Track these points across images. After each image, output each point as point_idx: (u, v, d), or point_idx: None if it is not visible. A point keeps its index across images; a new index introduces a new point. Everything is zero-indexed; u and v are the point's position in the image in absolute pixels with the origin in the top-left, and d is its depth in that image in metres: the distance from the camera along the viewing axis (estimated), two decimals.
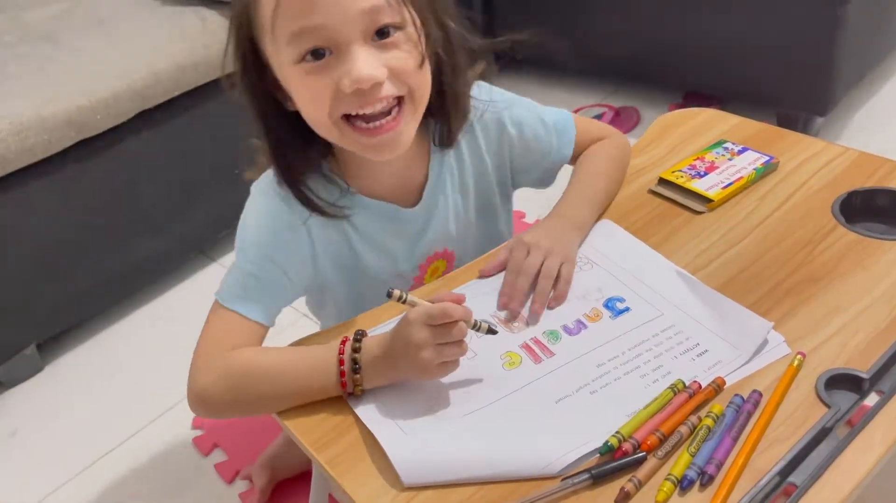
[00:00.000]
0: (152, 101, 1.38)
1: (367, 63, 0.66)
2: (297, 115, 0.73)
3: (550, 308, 0.77)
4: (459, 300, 0.68)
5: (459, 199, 0.87)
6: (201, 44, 1.44)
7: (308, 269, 0.79)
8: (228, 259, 1.65)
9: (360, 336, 0.69)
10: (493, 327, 0.71)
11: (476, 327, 0.70)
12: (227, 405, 0.71)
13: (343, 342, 0.69)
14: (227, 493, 1.15)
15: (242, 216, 0.78)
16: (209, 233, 1.62)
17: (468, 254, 0.90)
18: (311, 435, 0.68)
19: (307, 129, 0.73)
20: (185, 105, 1.45)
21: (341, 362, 0.68)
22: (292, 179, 0.76)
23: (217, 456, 1.21)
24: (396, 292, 0.68)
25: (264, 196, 0.77)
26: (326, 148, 0.78)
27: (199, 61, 1.43)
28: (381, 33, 0.67)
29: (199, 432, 1.25)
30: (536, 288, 0.78)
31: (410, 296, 0.69)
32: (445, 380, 0.70)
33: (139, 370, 1.41)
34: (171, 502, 1.15)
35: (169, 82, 1.39)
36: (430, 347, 0.65)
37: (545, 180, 0.93)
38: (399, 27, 0.67)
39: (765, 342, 0.70)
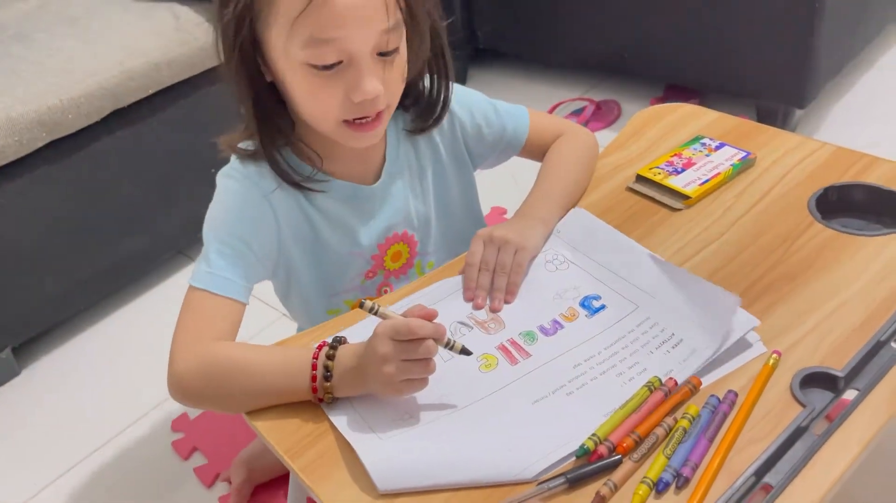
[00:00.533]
0: (126, 99, 1.36)
1: (374, 80, 0.72)
2: (272, 87, 0.76)
3: (507, 303, 0.77)
4: (431, 316, 0.66)
5: (417, 181, 0.89)
6: (175, 41, 1.42)
7: (273, 244, 0.81)
8: None
9: (336, 343, 0.69)
10: (468, 349, 0.68)
11: (449, 346, 0.67)
12: (202, 395, 0.71)
13: (319, 347, 0.69)
14: (207, 497, 1.13)
15: (212, 201, 0.80)
16: (187, 232, 1.60)
17: (432, 241, 0.91)
18: (286, 442, 0.67)
19: (281, 101, 0.77)
20: (159, 104, 1.43)
21: (314, 367, 0.67)
22: (272, 148, 0.78)
23: (197, 459, 1.20)
24: (368, 303, 0.67)
25: (228, 178, 0.80)
26: (293, 122, 0.80)
27: (174, 59, 1.41)
28: (384, 53, 0.72)
29: (178, 436, 1.24)
30: (493, 283, 0.78)
31: (382, 309, 0.68)
32: None
33: (117, 373, 1.40)
34: None
35: (142, 80, 1.37)
36: (394, 362, 0.64)
37: (502, 158, 0.96)
38: (398, 50, 0.74)
39: (733, 328, 0.69)
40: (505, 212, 1.60)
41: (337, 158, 0.82)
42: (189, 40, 1.43)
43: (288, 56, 0.71)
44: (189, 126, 1.50)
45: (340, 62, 0.71)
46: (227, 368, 0.70)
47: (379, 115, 0.75)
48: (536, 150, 0.94)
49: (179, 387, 0.71)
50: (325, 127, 0.76)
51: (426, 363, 0.65)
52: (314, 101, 0.74)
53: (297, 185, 0.79)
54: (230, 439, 1.19)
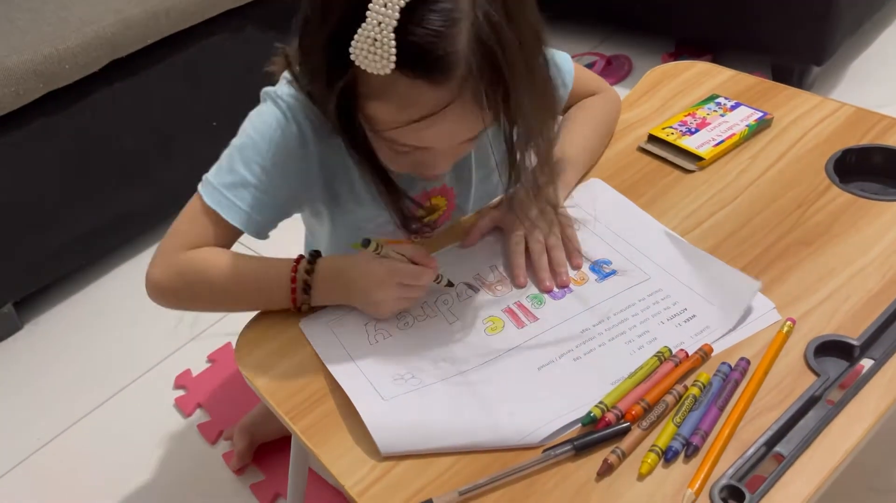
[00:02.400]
0: (123, 49, 1.32)
1: (446, 165, 0.71)
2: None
3: (576, 268, 0.75)
4: (430, 264, 0.70)
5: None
6: None
7: (301, 186, 0.76)
8: None
9: (313, 258, 0.71)
10: (452, 282, 0.73)
11: (437, 280, 0.71)
12: (177, 297, 0.73)
13: (297, 260, 0.71)
14: (210, 454, 1.14)
15: (252, 115, 0.75)
16: (189, 187, 1.56)
17: (472, 198, 0.87)
18: (287, 404, 0.66)
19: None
20: (158, 54, 1.39)
21: (293, 279, 0.70)
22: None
23: (199, 416, 1.20)
24: (373, 243, 0.67)
25: (276, 108, 0.73)
26: None
27: (172, 7, 1.36)
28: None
29: (181, 392, 1.24)
30: (553, 261, 0.75)
31: (386, 248, 0.68)
32: (426, 343, 0.68)
33: (120, 328, 1.39)
34: (154, 463, 1.14)
35: (140, 29, 1.33)
36: (393, 300, 0.69)
37: None
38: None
39: (751, 308, 0.68)
40: None
41: None
42: None
43: (373, 120, 0.65)
44: (189, 77, 1.46)
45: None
46: (205, 272, 0.71)
47: None
48: (570, 105, 0.89)
49: (156, 290, 0.73)
50: (391, 169, 0.73)
51: (421, 289, 0.70)
52: (387, 161, 0.71)
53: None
54: (233, 396, 1.19)
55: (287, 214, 0.79)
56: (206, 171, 0.74)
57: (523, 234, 0.76)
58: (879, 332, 0.66)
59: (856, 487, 0.92)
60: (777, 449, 0.59)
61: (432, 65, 0.57)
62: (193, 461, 1.13)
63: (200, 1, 1.39)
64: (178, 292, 0.72)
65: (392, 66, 0.57)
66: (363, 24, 0.56)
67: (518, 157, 0.68)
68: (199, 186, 0.74)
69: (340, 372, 0.66)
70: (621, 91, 0.94)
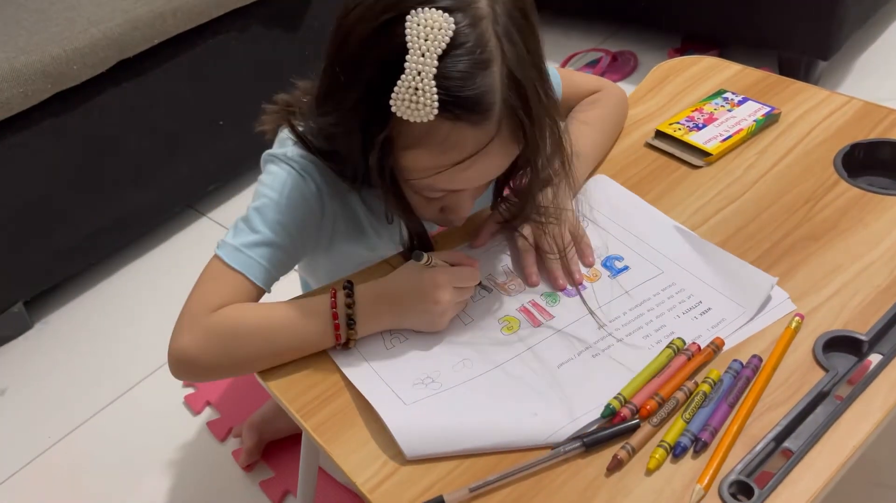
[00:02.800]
0: (131, 50, 1.33)
1: (471, 206, 0.72)
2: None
3: (588, 265, 0.75)
4: (474, 265, 0.71)
5: None
6: None
7: (313, 242, 0.76)
8: (218, 214, 1.62)
9: (349, 286, 0.68)
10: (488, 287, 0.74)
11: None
12: (211, 367, 0.68)
13: (333, 294, 0.68)
14: (220, 451, 1.14)
15: (266, 178, 0.74)
16: (197, 186, 1.58)
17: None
18: (298, 401, 0.66)
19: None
20: (166, 54, 1.39)
21: (335, 315, 0.67)
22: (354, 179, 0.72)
23: (209, 414, 1.20)
24: (425, 257, 0.67)
25: (287, 168, 0.73)
26: None
27: (179, 7, 1.37)
28: None
29: (190, 390, 1.24)
30: (563, 262, 0.75)
31: (435, 260, 0.69)
32: (443, 346, 0.68)
33: (129, 327, 1.40)
34: (164, 461, 1.15)
35: (147, 30, 1.33)
36: (454, 305, 0.68)
37: None
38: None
39: (769, 298, 0.68)
40: None
41: None
42: None
43: (403, 168, 0.66)
44: (195, 76, 1.47)
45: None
46: (239, 333, 0.67)
47: None
48: (566, 112, 0.90)
49: (183, 362, 0.67)
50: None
51: (470, 292, 0.71)
52: (414, 205, 0.71)
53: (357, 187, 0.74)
54: (242, 394, 1.20)
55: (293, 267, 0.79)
56: (214, 172, 0.74)
57: (532, 232, 0.76)
58: (888, 328, 0.66)
59: (862, 483, 0.92)
60: (786, 444, 0.59)
61: (473, 106, 0.59)
62: (203, 459, 1.14)
63: (207, 1, 1.40)
64: (211, 355, 0.67)
65: (435, 112, 0.58)
66: (402, 76, 0.58)
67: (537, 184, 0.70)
68: (217, 250, 0.71)
69: (359, 378, 0.66)
70: (627, 87, 0.95)
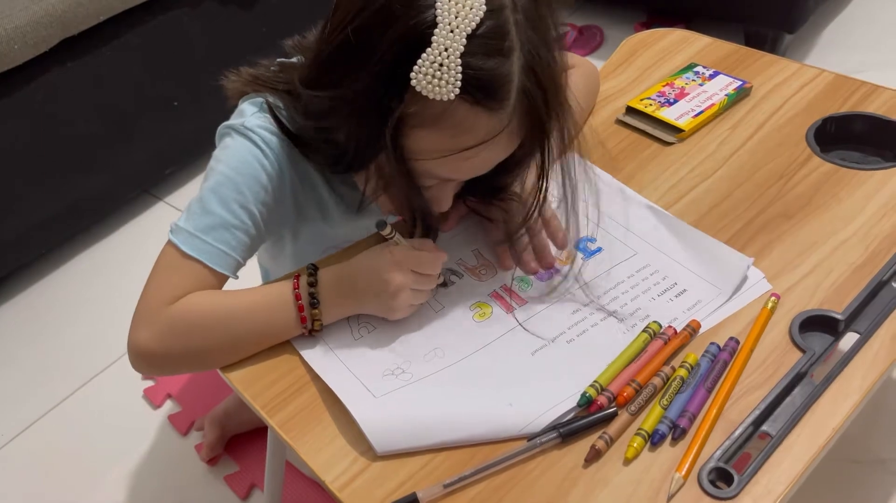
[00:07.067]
0: (75, 27, 1.26)
1: (450, 202, 0.68)
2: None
3: (561, 247, 0.73)
4: (439, 255, 0.67)
5: None
6: None
7: (277, 222, 0.72)
8: (176, 198, 1.57)
9: (313, 270, 0.66)
10: (448, 280, 0.70)
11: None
12: (172, 360, 0.64)
13: (296, 278, 0.65)
14: (182, 445, 1.11)
15: (220, 154, 0.69)
16: (152, 170, 1.52)
17: None
18: (263, 397, 0.63)
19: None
20: (112, 32, 1.32)
21: (297, 296, 0.64)
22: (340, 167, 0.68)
23: (170, 407, 1.16)
24: (388, 228, 0.64)
25: (247, 140, 0.68)
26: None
27: None
28: None
29: (150, 383, 1.20)
30: (535, 245, 0.72)
31: (398, 237, 0.66)
32: (414, 335, 0.66)
33: (84, 318, 1.34)
34: (124, 457, 1.10)
35: (93, 6, 1.26)
36: (408, 291, 0.64)
37: None
38: None
39: (745, 279, 0.67)
40: None
41: None
42: None
43: (406, 148, 0.61)
44: (146, 56, 1.40)
45: None
46: (200, 324, 0.63)
47: None
48: None
49: (143, 357, 0.63)
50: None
51: (432, 282, 0.67)
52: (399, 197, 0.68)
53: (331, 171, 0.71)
54: (204, 386, 1.16)
55: (257, 249, 0.74)
56: (170, 154, 0.68)
57: (503, 217, 0.74)
58: (863, 306, 0.65)
59: (836, 459, 0.93)
60: (764, 428, 0.58)
61: (493, 92, 0.57)
62: (165, 453, 1.10)
63: None
64: (169, 349, 0.63)
65: (456, 91, 0.56)
66: (428, 50, 0.55)
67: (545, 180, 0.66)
68: (171, 235, 0.66)
69: (326, 370, 0.63)
70: (595, 62, 0.92)
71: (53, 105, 1.30)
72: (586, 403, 0.59)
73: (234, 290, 0.66)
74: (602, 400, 0.58)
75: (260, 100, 0.70)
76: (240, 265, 0.68)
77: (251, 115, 0.69)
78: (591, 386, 0.59)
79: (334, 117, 0.64)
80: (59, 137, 1.33)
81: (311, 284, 0.64)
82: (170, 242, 0.66)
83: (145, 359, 0.64)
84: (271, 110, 0.68)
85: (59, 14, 1.22)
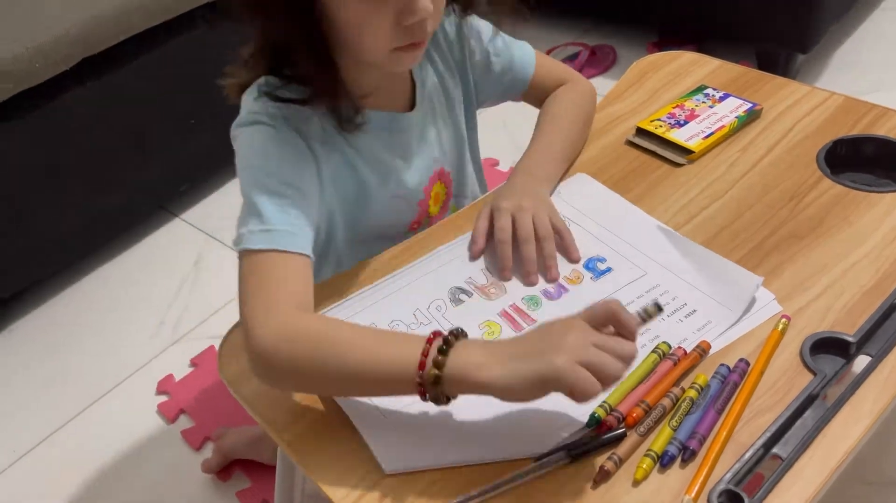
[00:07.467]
0: (96, 47, 1.29)
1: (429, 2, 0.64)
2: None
3: (574, 261, 0.73)
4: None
5: (446, 110, 0.83)
6: None
7: (317, 190, 0.71)
8: (191, 214, 1.59)
9: (455, 334, 0.57)
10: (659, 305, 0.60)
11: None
12: (287, 373, 0.60)
13: (430, 339, 0.57)
14: (195, 460, 1.11)
15: (240, 151, 0.69)
16: (169, 187, 1.55)
17: (468, 182, 0.87)
18: (271, 415, 0.64)
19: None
20: (131, 51, 1.36)
21: (430, 339, 0.56)
22: (333, 86, 0.68)
23: (183, 422, 1.17)
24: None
25: (255, 124, 0.69)
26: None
27: (146, 3, 1.33)
28: None
29: (164, 398, 1.21)
30: (544, 251, 0.73)
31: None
32: None
33: (100, 332, 1.36)
34: (137, 471, 1.11)
35: (112, 26, 1.29)
36: (584, 346, 0.54)
37: (504, 96, 0.90)
38: None
39: (754, 299, 0.67)
40: (497, 163, 1.55)
41: (372, 87, 0.73)
42: None
43: None
44: (164, 74, 1.43)
45: None
46: (315, 342, 0.59)
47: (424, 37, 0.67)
48: (539, 94, 0.89)
49: (265, 365, 0.60)
50: (374, 57, 0.68)
51: (612, 367, 0.54)
52: (364, 31, 0.65)
53: (341, 125, 0.70)
54: (217, 401, 1.17)
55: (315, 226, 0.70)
56: (186, 171, 0.70)
57: (510, 218, 0.74)
58: (875, 328, 0.65)
59: (848, 480, 0.92)
60: (775, 450, 0.57)
61: None
62: (178, 468, 1.11)
63: None
64: (289, 367, 0.59)
65: None
66: None
67: None
68: (238, 245, 0.65)
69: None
70: (607, 82, 0.93)
71: (73, 122, 1.33)
72: (595, 424, 0.59)
73: (363, 326, 0.64)
74: (611, 420, 0.58)
75: (254, 87, 0.70)
76: (310, 241, 0.67)
77: (251, 103, 0.70)
78: (601, 406, 0.59)
79: (274, 26, 0.65)
80: (77, 154, 1.36)
81: (455, 333, 0.57)
82: (241, 253, 0.65)
83: (267, 361, 0.60)
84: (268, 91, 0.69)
85: (80, 33, 1.26)
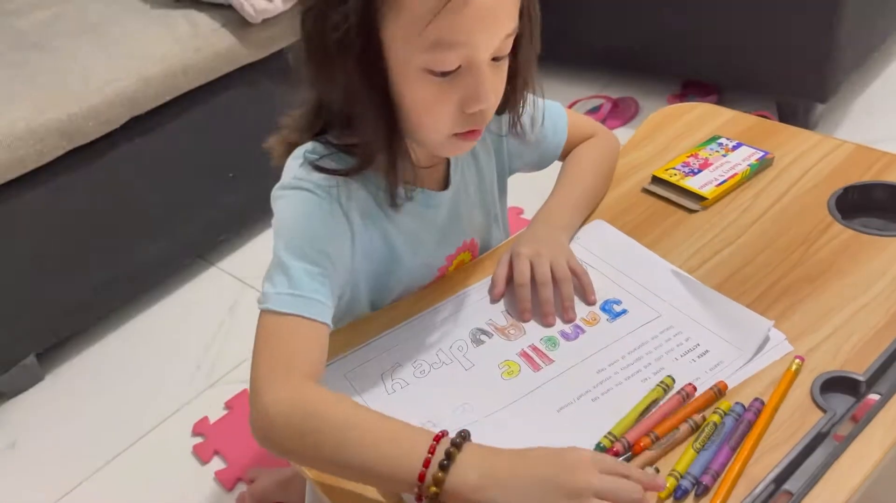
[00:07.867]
0: (143, 106, 1.38)
1: (492, 87, 0.66)
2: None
3: (591, 304, 0.76)
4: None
5: (476, 185, 0.84)
6: (192, 47, 1.43)
7: (348, 263, 0.72)
8: (227, 263, 1.65)
9: (459, 440, 0.57)
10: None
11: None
12: (286, 447, 0.61)
13: (432, 449, 0.56)
14: (227, 500, 1.14)
15: (279, 214, 0.70)
16: (207, 237, 1.61)
17: (487, 247, 0.88)
18: None
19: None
20: (176, 110, 1.44)
21: (432, 448, 0.56)
22: (392, 155, 0.69)
23: (217, 463, 1.21)
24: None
25: (300, 190, 0.70)
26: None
27: (190, 65, 1.42)
28: (497, 58, 0.66)
29: (199, 439, 1.25)
30: (561, 293, 0.76)
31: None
32: (443, 390, 0.69)
33: (139, 378, 1.41)
34: None
35: (159, 87, 1.38)
36: (593, 471, 0.55)
37: (539, 164, 0.92)
38: (507, 54, 0.67)
39: (766, 340, 0.69)
40: (522, 211, 1.60)
41: (417, 165, 0.74)
42: (205, 46, 1.44)
43: (405, 61, 0.63)
44: (207, 131, 1.51)
45: (459, 67, 0.64)
46: (321, 425, 0.59)
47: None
48: (566, 151, 0.91)
49: (267, 431, 0.61)
50: (432, 139, 0.69)
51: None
52: (428, 112, 0.66)
53: (393, 199, 0.72)
54: (249, 443, 1.20)
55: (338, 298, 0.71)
56: (223, 222, 0.73)
57: (528, 263, 0.77)
58: (885, 368, 0.66)
59: None
60: (786, 486, 0.59)
61: None
62: None
63: (216, 58, 1.45)
64: (289, 443, 0.60)
65: None
66: None
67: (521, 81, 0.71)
68: (262, 304, 0.66)
69: None
70: (629, 132, 0.97)
71: (119, 177, 1.41)
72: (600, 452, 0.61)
73: (369, 410, 0.63)
74: (618, 447, 0.61)
75: (300, 151, 0.72)
76: (331, 311, 0.68)
77: (297, 169, 0.71)
78: (606, 437, 0.62)
79: (335, 89, 0.67)
80: (122, 207, 1.44)
81: (457, 443, 0.56)
82: (263, 312, 0.66)
83: (270, 427, 0.60)
84: (319, 146, 0.71)
85: (129, 94, 1.34)
